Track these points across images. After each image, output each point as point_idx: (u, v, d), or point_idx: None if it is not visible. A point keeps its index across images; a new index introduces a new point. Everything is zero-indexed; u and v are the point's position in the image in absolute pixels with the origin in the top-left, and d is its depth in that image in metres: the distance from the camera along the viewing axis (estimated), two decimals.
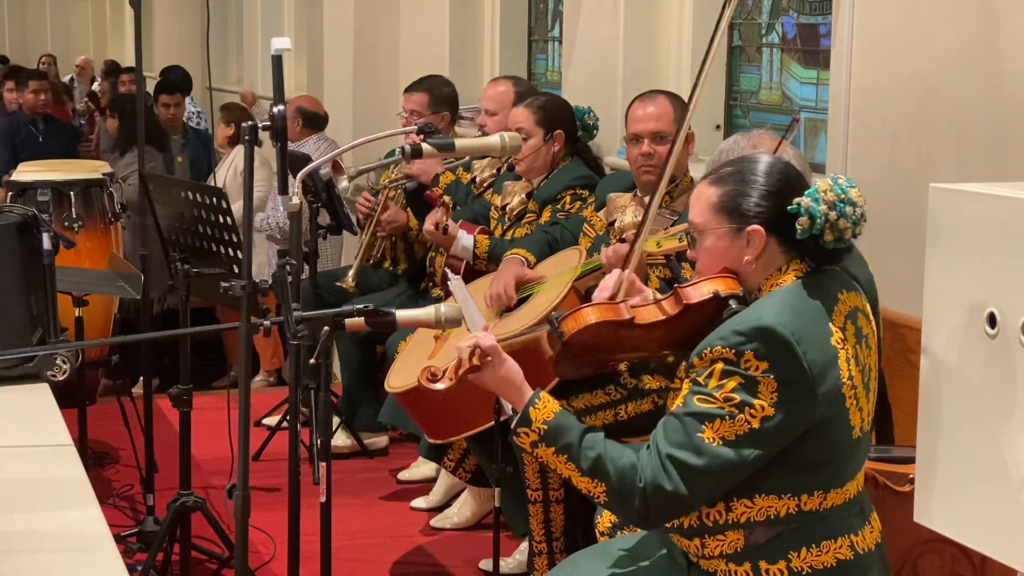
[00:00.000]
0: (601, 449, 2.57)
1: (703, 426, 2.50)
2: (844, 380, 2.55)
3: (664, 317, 2.61)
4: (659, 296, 2.68)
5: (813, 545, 2.56)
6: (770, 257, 2.62)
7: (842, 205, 2.55)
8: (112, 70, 13.46)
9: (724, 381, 2.49)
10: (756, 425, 2.49)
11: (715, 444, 2.49)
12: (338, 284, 5.69)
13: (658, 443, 2.54)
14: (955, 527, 2.61)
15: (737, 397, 2.48)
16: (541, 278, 4.19)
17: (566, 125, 4.78)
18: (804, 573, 2.56)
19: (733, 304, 2.58)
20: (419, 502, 5.04)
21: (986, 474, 2.50)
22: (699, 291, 2.61)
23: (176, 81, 9.76)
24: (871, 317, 2.70)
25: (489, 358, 2.65)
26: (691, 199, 2.71)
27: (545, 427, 2.60)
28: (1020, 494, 2.43)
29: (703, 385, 2.52)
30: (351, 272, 5.74)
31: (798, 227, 2.56)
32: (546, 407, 2.62)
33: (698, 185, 2.72)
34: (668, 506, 2.54)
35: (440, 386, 2.67)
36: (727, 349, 2.49)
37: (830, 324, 2.56)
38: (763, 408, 2.48)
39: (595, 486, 2.57)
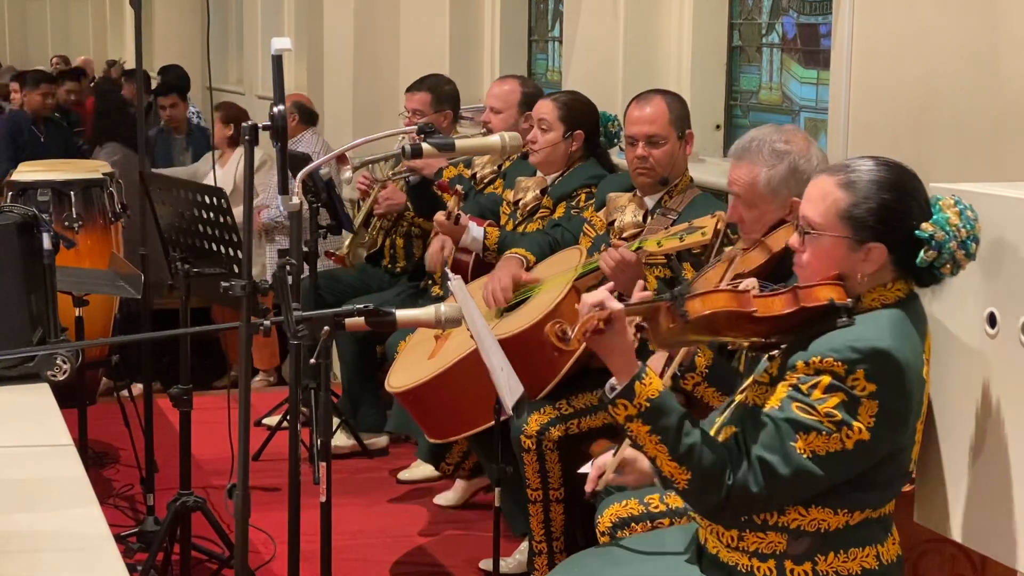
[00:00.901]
0: (697, 439, 2.54)
1: (797, 435, 2.48)
2: (921, 414, 2.55)
3: (779, 313, 2.58)
4: (774, 289, 2.65)
5: (841, 551, 2.56)
6: (882, 273, 2.58)
7: (970, 243, 2.52)
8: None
9: (828, 396, 2.46)
10: (850, 447, 2.47)
11: (805, 456, 2.48)
12: (334, 252, 5.70)
13: (749, 444, 2.52)
14: (955, 527, 2.61)
15: (838, 415, 2.46)
16: (537, 280, 4.19)
17: (588, 127, 4.75)
18: None
19: (844, 317, 2.53)
20: (440, 499, 5.06)
21: (986, 474, 2.50)
22: (816, 296, 2.57)
23: (171, 82, 9.74)
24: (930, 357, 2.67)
25: (612, 323, 2.59)
26: (811, 192, 2.64)
27: (648, 404, 2.56)
28: (1020, 494, 2.43)
29: (805, 395, 2.48)
30: (346, 244, 5.76)
31: (922, 256, 2.52)
32: (652, 384, 2.57)
33: (820, 179, 2.64)
34: (746, 505, 2.54)
35: (570, 347, 2.63)
36: (839, 363, 2.46)
37: (923, 355, 2.55)
38: (860, 431, 2.46)
39: (681, 472, 2.54)
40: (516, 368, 2.90)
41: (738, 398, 2.73)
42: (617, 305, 2.59)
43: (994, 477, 2.47)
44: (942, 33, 3.72)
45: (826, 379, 2.46)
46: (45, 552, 2.39)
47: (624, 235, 4.04)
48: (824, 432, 2.46)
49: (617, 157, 4.88)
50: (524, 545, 4.38)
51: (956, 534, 2.63)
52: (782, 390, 2.52)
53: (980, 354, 2.50)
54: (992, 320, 2.47)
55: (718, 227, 3.53)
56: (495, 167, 5.32)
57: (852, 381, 2.45)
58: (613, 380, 2.60)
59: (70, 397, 4.38)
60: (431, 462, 5.26)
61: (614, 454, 2.98)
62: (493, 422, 3.73)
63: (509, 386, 2.87)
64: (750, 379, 2.72)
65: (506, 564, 4.33)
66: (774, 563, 2.56)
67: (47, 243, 3.50)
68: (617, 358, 2.60)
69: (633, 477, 2.96)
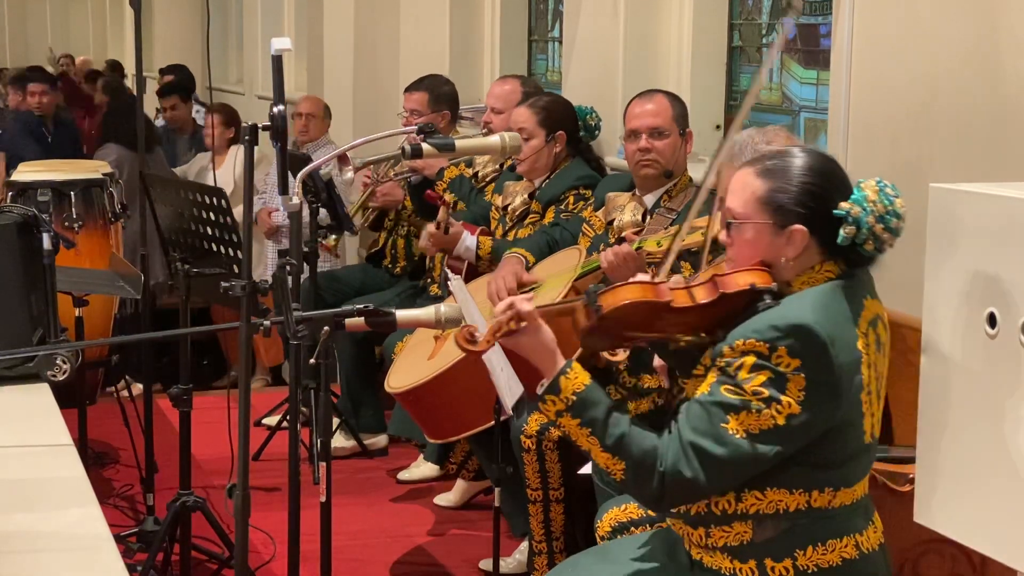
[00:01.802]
0: (626, 428, 2.56)
1: (728, 416, 2.50)
2: (864, 385, 2.56)
3: (699, 303, 2.61)
4: (695, 280, 2.67)
5: (819, 543, 2.57)
6: (807, 256, 2.61)
7: (889, 217, 2.55)
8: (113, 70, 13.50)
9: (753, 375, 2.49)
10: (781, 422, 2.49)
11: (738, 436, 2.49)
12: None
13: (680, 429, 2.54)
14: (955, 527, 2.61)
15: (766, 392, 2.48)
16: (538, 281, 4.20)
17: (568, 125, 4.78)
18: (810, 571, 2.56)
19: (768, 299, 2.57)
20: (441, 499, 5.06)
21: (986, 474, 2.50)
22: (736, 281, 2.60)
23: (172, 83, 9.73)
24: (887, 325, 2.70)
25: (525, 323, 2.63)
26: (733, 184, 2.68)
27: (574, 398, 2.59)
28: (1020, 494, 2.43)
29: (732, 376, 2.51)
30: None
31: (842, 233, 2.55)
32: (577, 378, 2.60)
33: (741, 171, 2.69)
34: (684, 492, 2.54)
35: (477, 348, 2.66)
36: (761, 343, 2.49)
37: (856, 329, 2.57)
38: (790, 405, 2.48)
39: (615, 463, 2.57)
40: (516, 368, 2.90)
41: (686, 393, 2.75)
42: (527, 307, 2.63)
43: (994, 477, 2.47)
44: (942, 33, 3.72)
45: (751, 359, 2.49)
46: (45, 552, 2.39)
47: (623, 234, 4.04)
48: (754, 410, 2.49)
49: (617, 157, 4.88)
50: (524, 545, 4.38)
51: (956, 534, 2.63)
52: (711, 376, 2.56)
53: (980, 354, 2.50)
54: (992, 320, 2.47)
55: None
56: (496, 167, 5.33)
57: (776, 359, 2.48)
58: (544, 380, 2.64)
59: (70, 397, 4.38)
60: (438, 462, 5.27)
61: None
62: (493, 422, 3.73)
63: (509, 386, 2.87)
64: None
65: (506, 564, 4.33)
66: (755, 563, 2.57)
67: (47, 243, 3.50)
68: (539, 355, 2.64)
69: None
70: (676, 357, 2.90)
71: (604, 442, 2.57)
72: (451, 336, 4.11)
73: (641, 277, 2.80)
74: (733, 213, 2.66)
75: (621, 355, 3.10)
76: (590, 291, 2.64)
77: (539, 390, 2.64)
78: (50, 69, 13.28)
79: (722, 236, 2.71)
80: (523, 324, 2.64)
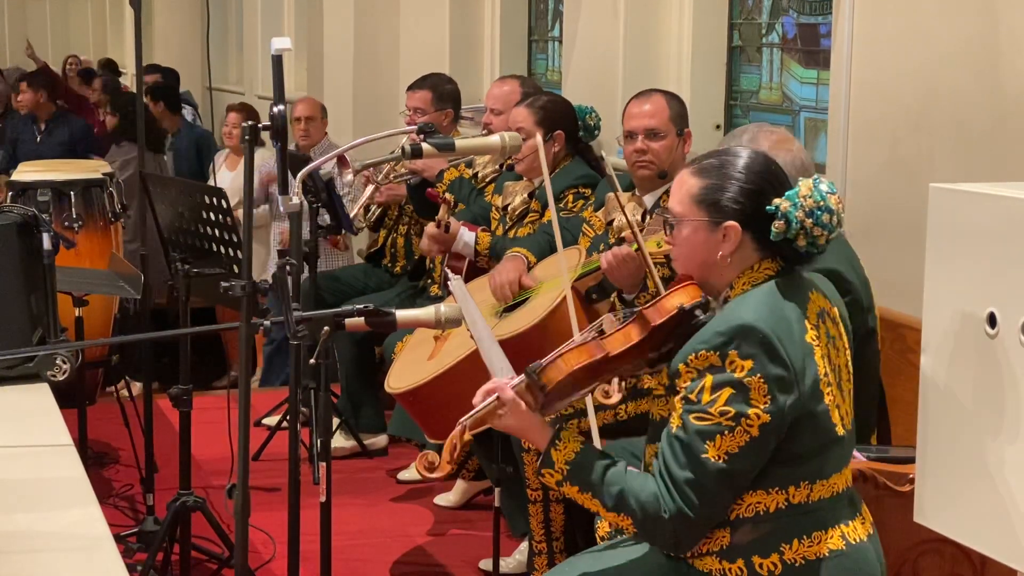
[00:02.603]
0: (623, 484, 2.59)
1: (705, 445, 2.51)
2: (821, 375, 2.57)
3: (634, 342, 2.66)
4: (625, 321, 2.71)
5: (804, 537, 2.57)
6: (744, 254, 2.64)
7: (819, 212, 2.56)
8: (107, 68, 13.47)
9: (716, 395, 2.51)
10: (756, 433, 2.51)
11: (721, 461, 2.51)
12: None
13: (670, 470, 2.55)
14: (955, 527, 2.61)
15: (732, 410, 2.50)
16: (537, 284, 4.20)
17: (566, 125, 4.77)
18: (798, 565, 2.57)
19: (700, 314, 2.62)
20: (440, 500, 5.06)
21: (986, 474, 2.50)
22: (662, 310, 2.64)
23: (156, 90, 9.60)
24: (838, 320, 2.71)
25: (505, 409, 2.69)
26: (673, 185, 2.73)
27: (567, 467, 2.63)
28: (1020, 494, 2.43)
29: (696, 402, 2.53)
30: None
31: (773, 229, 2.57)
32: (567, 447, 2.65)
33: (681, 172, 2.73)
34: (696, 531, 2.57)
35: (436, 475, 2.75)
36: (711, 352, 2.51)
37: (805, 322, 2.58)
38: (758, 416, 2.50)
39: (622, 519, 2.60)
40: (516, 368, 2.90)
41: (652, 414, 2.80)
42: (509, 393, 2.68)
43: (994, 477, 2.47)
44: (942, 33, 3.72)
45: (709, 379, 2.51)
46: (45, 552, 2.39)
47: (623, 234, 4.04)
48: (727, 431, 2.50)
49: (617, 157, 4.88)
50: (524, 545, 4.38)
51: (956, 534, 2.63)
52: (678, 405, 2.57)
53: (980, 354, 2.50)
54: (992, 320, 2.47)
55: None
56: (496, 167, 5.33)
57: (730, 366, 2.50)
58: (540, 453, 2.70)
59: (70, 397, 4.38)
60: None
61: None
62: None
63: None
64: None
65: (506, 564, 4.33)
66: (742, 562, 2.57)
67: (47, 243, 3.50)
68: (527, 434, 2.73)
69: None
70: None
71: (606, 503, 2.61)
72: (451, 336, 4.11)
73: (578, 336, 2.82)
74: (673, 213, 2.70)
75: (616, 396, 3.12)
76: (529, 371, 2.68)
77: (537, 464, 2.69)
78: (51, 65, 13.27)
79: (667, 239, 2.75)
80: (504, 409, 2.69)
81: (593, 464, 2.63)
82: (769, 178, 2.65)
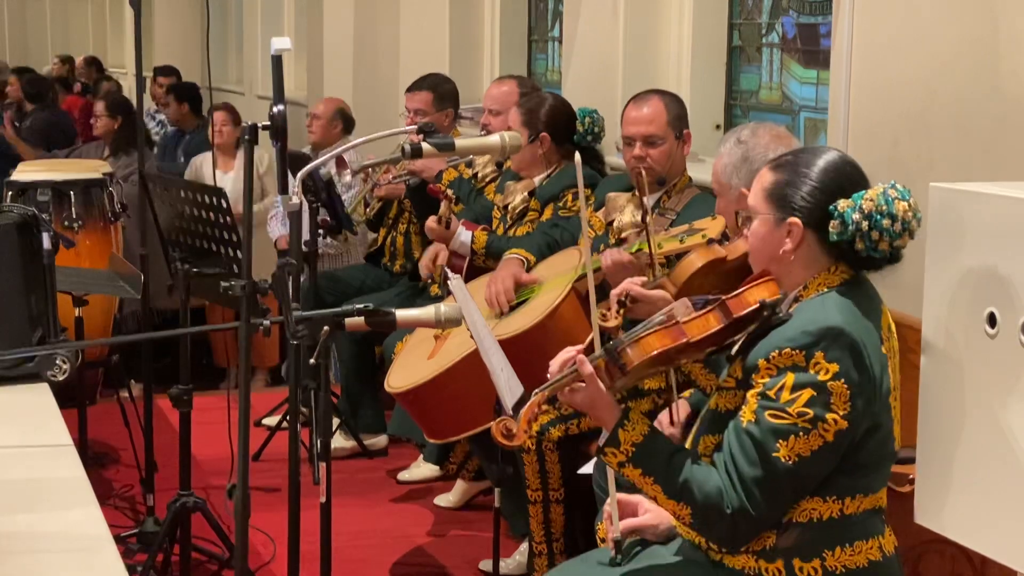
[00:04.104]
0: (688, 474, 2.55)
1: (777, 443, 2.49)
2: (892, 388, 2.57)
3: (713, 330, 2.61)
4: (701, 304, 2.67)
5: (847, 545, 2.57)
6: (812, 254, 2.61)
7: (879, 217, 2.52)
8: (90, 66, 13.48)
9: (796, 395, 2.47)
10: (831, 439, 2.48)
11: (791, 462, 2.48)
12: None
13: (737, 465, 2.52)
14: (955, 527, 2.61)
15: (811, 412, 2.47)
16: (537, 281, 4.20)
17: (552, 127, 4.75)
18: (838, 572, 2.56)
19: (779, 311, 2.57)
20: (440, 500, 5.06)
21: (986, 474, 2.50)
22: (745, 301, 2.60)
23: (180, 91, 9.68)
24: (894, 334, 2.69)
25: (583, 383, 2.62)
26: (754, 179, 2.71)
27: (633, 449, 2.58)
28: (1020, 494, 2.43)
29: (775, 400, 2.49)
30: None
31: (830, 229, 2.55)
32: (635, 428, 2.60)
33: (762, 167, 2.72)
34: (754, 528, 2.55)
35: (514, 443, 2.68)
36: (797, 351, 2.48)
37: (881, 332, 2.58)
38: (836, 422, 2.47)
39: (680, 508, 2.56)
40: (516, 369, 2.90)
41: (710, 404, 2.74)
42: (588, 367, 2.61)
43: (994, 477, 2.47)
44: (942, 33, 3.72)
45: (790, 377, 2.48)
46: (45, 552, 2.39)
47: (623, 235, 4.04)
48: (802, 433, 2.48)
49: (617, 157, 4.88)
50: (524, 546, 4.38)
51: (956, 534, 2.63)
52: (752, 400, 2.53)
53: (980, 354, 2.50)
54: (992, 320, 2.47)
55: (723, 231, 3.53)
56: (496, 167, 5.33)
57: (814, 367, 2.47)
58: (604, 432, 2.65)
59: (70, 397, 4.38)
60: (438, 463, 5.27)
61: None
62: (493, 422, 3.72)
63: (509, 387, 2.87)
64: (716, 384, 2.74)
65: (506, 565, 4.33)
66: (782, 563, 2.56)
67: (47, 243, 3.50)
68: (596, 411, 2.64)
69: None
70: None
71: (667, 490, 2.56)
72: (451, 336, 4.11)
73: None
74: (747, 207, 2.68)
75: (613, 321, 3.10)
76: (611, 348, 2.63)
77: (600, 442, 2.63)
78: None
79: (745, 231, 2.73)
80: (581, 384, 2.62)
81: (660, 449, 2.59)
82: (840, 179, 2.60)
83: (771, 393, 2.50)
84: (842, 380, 2.47)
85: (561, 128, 4.77)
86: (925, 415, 2.65)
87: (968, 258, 2.52)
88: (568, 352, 2.68)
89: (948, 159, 3.73)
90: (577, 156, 3.30)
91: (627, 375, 2.63)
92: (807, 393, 2.47)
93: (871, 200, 2.53)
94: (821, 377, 2.47)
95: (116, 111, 7.73)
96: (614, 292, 3.07)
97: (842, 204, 2.54)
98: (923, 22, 3.79)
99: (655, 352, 2.61)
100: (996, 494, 2.48)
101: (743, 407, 2.56)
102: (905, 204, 2.55)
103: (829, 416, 2.47)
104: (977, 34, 3.58)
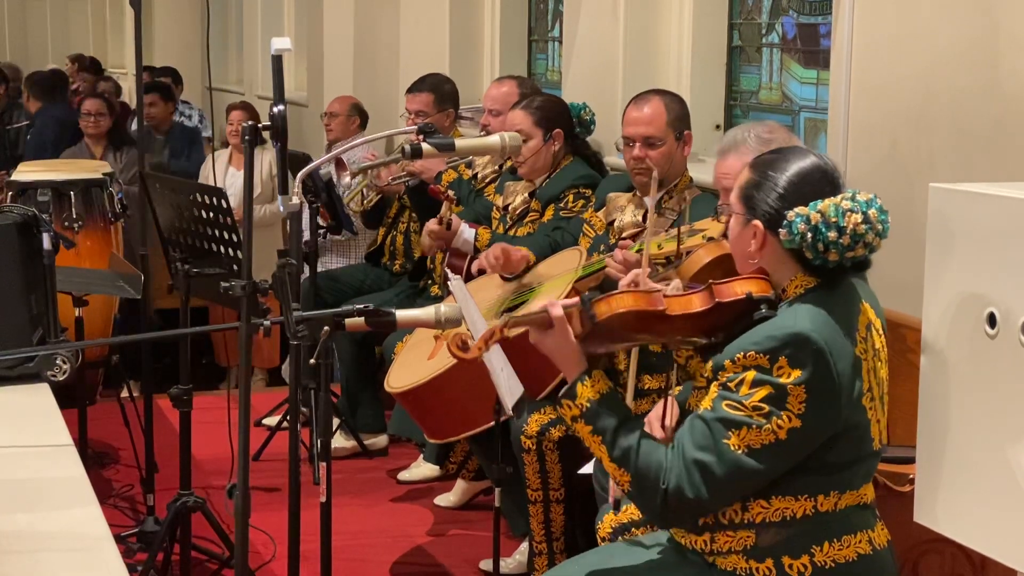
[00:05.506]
0: (635, 442, 2.58)
1: (729, 432, 2.51)
2: (865, 390, 2.57)
3: (695, 311, 2.62)
4: (691, 287, 2.68)
5: (835, 539, 2.58)
6: (777, 257, 2.61)
7: (824, 229, 2.51)
8: (83, 67, 13.45)
9: (754, 390, 2.50)
10: (783, 436, 2.50)
11: (739, 452, 2.50)
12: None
13: (684, 446, 2.55)
14: (955, 527, 2.61)
15: (766, 407, 2.49)
16: (526, 257, 4.21)
17: (564, 123, 4.79)
18: (827, 567, 2.57)
19: (764, 309, 2.57)
20: (441, 500, 5.06)
21: (986, 474, 2.50)
22: (732, 290, 2.61)
23: (152, 83, 9.65)
24: (882, 333, 2.70)
25: (554, 328, 2.65)
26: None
27: (588, 404, 2.61)
28: (1020, 494, 2.43)
29: (733, 391, 2.52)
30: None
31: (780, 238, 2.56)
32: (595, 386, 2.62)
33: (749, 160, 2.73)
34: (687, 510, 2.56)
35: (468, 355, 2.68)
36: (761, 355, 2.49)
37: (856, 334, 2.57)
38: (790, 419, 2.49)
39: (621, 474, 2.59)
40: (516, 368, 2.90)
41: (687, 404, 2.76)
42: (558, 311, 2.64)
43: (994, 477, 2.47)
44: (942, 33, 3.72)
45: (752, 374, 2.50)
46: (45, 552, 2.39)
47: (624, 235, 4.04)
48: (755, 426, 2.49)
49: (617, 157, 4.88)
50: (524, 546, 4.38)
51: (956, 534, 2.63)
52: (714, 391, 2.56)
53: (980, 354, 2.50)
54: (992, 320, 2.47)
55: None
56: (496, 167, 5.33)
57: (777, 371, 2.48)
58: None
59: (70, 397, 4.38)
60: (438, 463, 5.27)
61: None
62: (493, 422, 3.73)
63: (509, 386, 2.87)
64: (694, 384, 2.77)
65: (506, 564, 4.33)
66: (772, 561, 2.57)
67: (47, 243, 3.50)
68: (562, 359, 2.67)
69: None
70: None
71: (612, 453, 2.59)
72: (451, 336, 4.11)
73: (640, 282, 2.81)
74: (728, 200, 2.71)
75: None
76: (585, 298, 2.65)
77: (560, 392, 2.66)
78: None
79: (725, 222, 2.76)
80: (551, 328, 2.65)
81: (614, 411, 2.61)
82: (804, 187, 2.58)
83: (732, 385, 2.52)
84: (802, 386, 2.48)
85: (566, 125, 4.78)
86: (925, 415, 2.65)
87: (968, 258, 2.52)
88: (547, 300, 2.72)
89: (947, 159, 3.73)
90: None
91: (596, 326, 2.62)
92: (765, 390, 2.49)
93: (820, 212, 2.52)
94: (782, 380, 2.49)
95: (111, 110, 7.80)
96: (623, 282, 3.08)
97: (791, 214, 2.54)
98: (923, 22, 3.79)
99: (625, 310, 2.60)
100: (996, 494, 2.48)
101: (704, 399, 2.58)
102: (858, 216, 2.52)
103: (784, 414, 2.49)
104: (977, 34, 3.58)
